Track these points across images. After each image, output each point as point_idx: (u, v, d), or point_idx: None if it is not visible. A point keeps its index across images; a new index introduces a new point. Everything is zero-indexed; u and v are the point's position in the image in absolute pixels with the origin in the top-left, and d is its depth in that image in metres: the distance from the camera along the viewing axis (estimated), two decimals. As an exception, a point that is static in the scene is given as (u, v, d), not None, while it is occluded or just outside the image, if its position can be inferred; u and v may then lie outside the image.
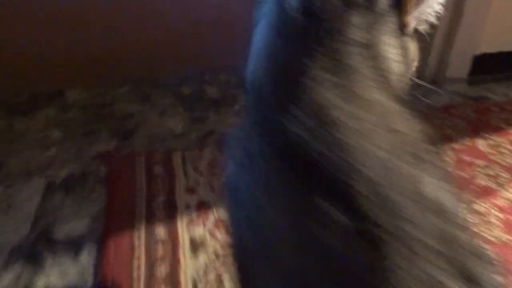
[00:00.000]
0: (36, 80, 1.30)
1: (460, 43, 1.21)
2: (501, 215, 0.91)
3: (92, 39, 1.29)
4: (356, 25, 0.41)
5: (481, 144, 1.08)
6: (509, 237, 0.87)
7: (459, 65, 1.26)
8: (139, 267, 0.84)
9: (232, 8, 1.32)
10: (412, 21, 0.48)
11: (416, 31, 0.50)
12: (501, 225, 0.89)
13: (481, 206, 0.93)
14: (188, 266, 0.84)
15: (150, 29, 1.33)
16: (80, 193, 1.01)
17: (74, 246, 0.90)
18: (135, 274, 0.82)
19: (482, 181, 0.98)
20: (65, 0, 1.24)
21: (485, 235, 0.87)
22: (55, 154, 1.11)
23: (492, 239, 0.86)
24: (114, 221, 0.94)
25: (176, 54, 1.36)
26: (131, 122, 1.22)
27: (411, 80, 0.54)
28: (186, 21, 1.34)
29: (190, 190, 1.00)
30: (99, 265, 0.86)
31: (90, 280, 0.83)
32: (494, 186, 0.97)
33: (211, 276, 0.81)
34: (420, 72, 1.22)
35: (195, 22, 1.34)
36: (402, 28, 0.47)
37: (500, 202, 0.93)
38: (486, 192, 0.96)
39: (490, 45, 1.25)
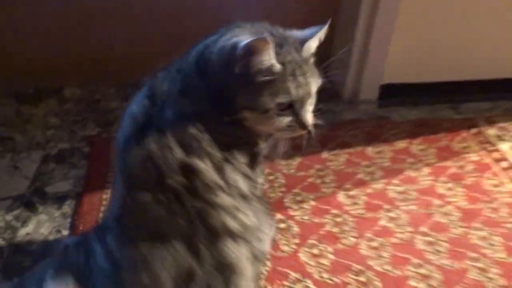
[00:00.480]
0: (42, 78, 1.66)
1: (368, 74, 1.58)
2: (366, 199, 1.27)
3: (89, 48, 1.65)
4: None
5: (369, 150, 1.44)
6: (367, 214, 1.22)
7: (369, 91, 1.63)
8: (103, 215, 1.19)
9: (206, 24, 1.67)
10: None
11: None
12: (364, 205, 1.25)
13: (353, 192, 1.28)
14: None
15: (137, 42, 1.69)
16: (68, 163, 1.37)
17: (59, 199, 1.25)
18: (100, 219, 1.18)
19: (361, 176, 1.34)
20: (68, 12, 1.59)
21: (352, 212, 1.23)
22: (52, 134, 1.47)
23: (357, 214, 1.22)
24: (90, 185, 1.30)
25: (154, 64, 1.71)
26: (112, 115, 1.58)
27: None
28: (165, 39, 1.69)
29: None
30: (75, 213, 1.21)
31: (68, 222, 1.19)
32: (368, 179, 1.33)
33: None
34: (340, 93, 1.58)
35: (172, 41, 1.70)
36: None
37: (369, 190, 1.29)
38: (361, 183, 1.32)
39: (393, 76, 1.62)
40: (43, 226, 1.17)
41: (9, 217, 1.19)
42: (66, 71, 1.66)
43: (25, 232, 1.15)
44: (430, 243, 1.15)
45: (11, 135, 1.46)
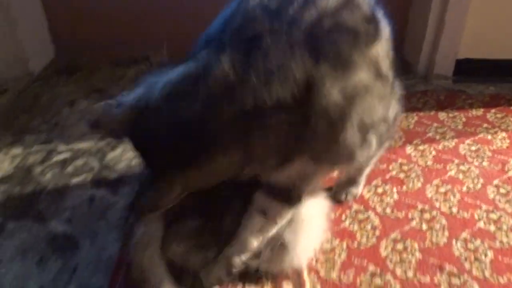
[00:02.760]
0: (135, 47, 1.85)
1: (443, 48, 1.57)
2: (435, 153, 1.25)
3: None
4: None
5: (441, 115, 1.42)
6: (436, 165, 1.20)
7: (444, 66, 1.61)
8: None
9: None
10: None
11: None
12: (433, 158, 1.23)
13: (422, 146, 1.27)
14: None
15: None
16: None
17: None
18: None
19: (431, 134, 1.33)
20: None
21: (420, 163, 1.22)
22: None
23: (424, 165, 1.21)
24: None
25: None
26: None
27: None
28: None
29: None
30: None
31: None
32: (439, 138, 1.31)
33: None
34: (413, 67, 1.59)
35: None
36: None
37: (439, 146, 1.27)
38: (431, 140, 1.30)
39: (471, 51, 1.60)
40: (129, 151, 1.30)
41: (101, 143, 1.34)
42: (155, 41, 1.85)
43: (113, 155, 1.28)
44: (504, 195, 1.10)
45: (105, 88, 1.65)
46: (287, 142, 0.65)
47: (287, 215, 0.85)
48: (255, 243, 0.85)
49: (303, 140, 0.66)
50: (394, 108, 0.82)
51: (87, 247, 1.00)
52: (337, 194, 1.08)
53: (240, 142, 0.62)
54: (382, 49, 0.69)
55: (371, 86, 0.67)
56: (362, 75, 0.64)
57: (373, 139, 0.73)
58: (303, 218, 0.87)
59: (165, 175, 0.64)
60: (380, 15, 0.72)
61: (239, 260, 0.87)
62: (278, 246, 0.86)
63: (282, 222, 0.86)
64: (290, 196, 0.83)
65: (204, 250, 0.87)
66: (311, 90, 0.61)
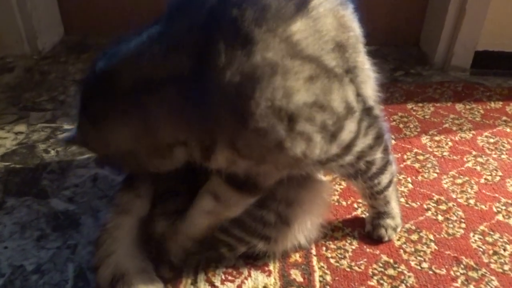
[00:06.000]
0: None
1: (463, 38, 1.51)
2: (452, 144, 1.20)
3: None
4: None
5: (458, 106, 1.36)
6: (453, 156, 1.16)
7: (462, 57, 1.55)
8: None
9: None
10: None
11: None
12: (449, 149, 1.18)
13: (439, 137, 1.23)
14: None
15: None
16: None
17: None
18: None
19: (448, 125, 1.28)
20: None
21: (436, 153, 1.17)
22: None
23: (441, 156, 1.16)
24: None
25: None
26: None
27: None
28: None
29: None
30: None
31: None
32: (456, 129, 1.26)
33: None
34: (430, 57, 1.53)
35: None
36: None
37: (456, 138, 1.23)
38: (448, 131, 1.25)
39: (491, 43, 1.54)
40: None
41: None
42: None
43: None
44: (523, 189, 1.05)
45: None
46: (192, 120, 0.62)
47: (246, 203, 0.80)
48: (204, 223, 0.81)
49: (211, 122, 0.62)
50: (349, 92, 0.67)
51: (88, 225, 0.97)
52: (375, 232, 0.91)
53: (137, 113, 0.64)
54: (307, 27, 0.61)
55: (285, 66, 0.59)
56: (267, 54, 0.58)
57: (309, 130, 0.62)
58: (303, 197, 0.84)
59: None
60: None
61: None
62: (281, 224, 0.82)
63: (238, 209, 0.80)
64: (245, 185, 0.77)
65: None
66: (206, 65, 0.59)
